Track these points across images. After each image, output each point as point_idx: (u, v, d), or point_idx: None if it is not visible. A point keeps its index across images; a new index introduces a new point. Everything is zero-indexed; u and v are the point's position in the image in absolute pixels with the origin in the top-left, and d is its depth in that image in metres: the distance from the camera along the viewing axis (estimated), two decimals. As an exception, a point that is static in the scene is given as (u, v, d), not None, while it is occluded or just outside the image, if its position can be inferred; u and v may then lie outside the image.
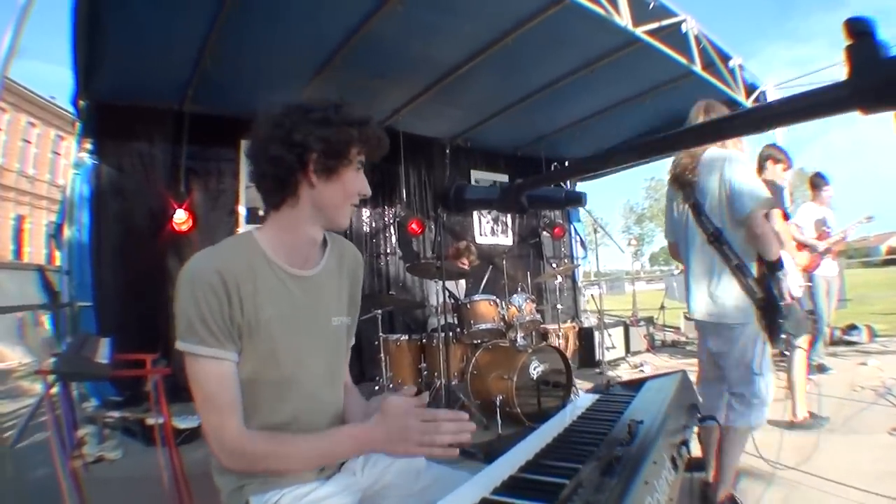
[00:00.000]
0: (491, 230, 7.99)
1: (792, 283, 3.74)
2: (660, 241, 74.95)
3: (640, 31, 4.54)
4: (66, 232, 5.09)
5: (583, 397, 1.72)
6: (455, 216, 7.54)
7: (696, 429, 2.72)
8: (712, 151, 2.47)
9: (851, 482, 2.67)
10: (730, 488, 2.54)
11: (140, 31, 4.17)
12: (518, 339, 4.57)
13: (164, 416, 2.78)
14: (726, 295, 2.39)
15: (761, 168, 3.88)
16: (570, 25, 4.63)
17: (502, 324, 4.67)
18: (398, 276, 7.03)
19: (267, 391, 1.24)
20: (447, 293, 4.47)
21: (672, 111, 6.92)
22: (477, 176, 7.93)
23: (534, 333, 5.12)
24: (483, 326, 4.60)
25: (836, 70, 6.96)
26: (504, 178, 8.20)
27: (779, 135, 6.57)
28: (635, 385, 1.77)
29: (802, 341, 3.83)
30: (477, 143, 7.75)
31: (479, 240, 7.79)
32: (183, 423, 4.02)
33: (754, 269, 2.38)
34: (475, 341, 4.74)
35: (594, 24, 4.41)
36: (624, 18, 4.37)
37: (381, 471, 1.41)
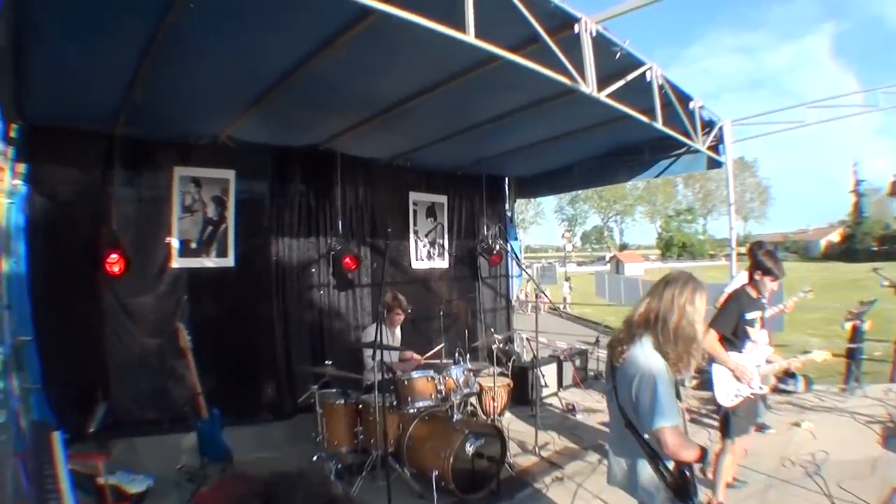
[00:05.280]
0: (427, 254, 7.81)
1: (724, 393, 3.81)
2: (592, 221, 77.28)
3: (603, 96, 4.34)
4: (4, 265, 4.63)
5: None
6: (391, 243, 7.30)
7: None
8: (635, 352, 2.33)
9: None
10: None
11: (64, 62, 3.87)
12: (454, 415, 4.56)
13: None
14: (639, 478, 2.38)
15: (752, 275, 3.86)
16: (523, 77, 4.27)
17: (440, 399, 4.61)
18: (334, 304, 6.79)
19: None
20: (385, 368, 4.30)
21: (621, 141, 7.13)
22: (416, 197, 7.66)
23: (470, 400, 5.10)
24: (421, 404, 4.55)
25: (799, 112, 6.88)
26: (443, 199, 7.98)
27: (727, 130, 6.78)
28: None
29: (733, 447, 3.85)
30: (417, 163, 7.49)
31: (415, 265, 7.65)
32: (133, 487, 4.04)
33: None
34: (412, 410, 4.63)
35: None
36: (589, 84, 4.10)
37: None
